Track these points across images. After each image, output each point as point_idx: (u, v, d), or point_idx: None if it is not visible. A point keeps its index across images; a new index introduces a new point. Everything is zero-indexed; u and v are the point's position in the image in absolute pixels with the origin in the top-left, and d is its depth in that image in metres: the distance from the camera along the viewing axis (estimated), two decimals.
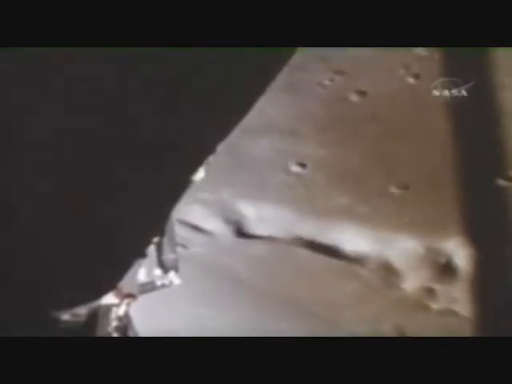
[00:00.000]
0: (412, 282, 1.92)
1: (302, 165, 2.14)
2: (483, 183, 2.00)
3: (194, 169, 2.02)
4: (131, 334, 1.89)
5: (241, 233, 2.11)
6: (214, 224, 2.14)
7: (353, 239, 2.01)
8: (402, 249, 1.96)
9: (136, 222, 1.95)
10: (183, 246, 2.08)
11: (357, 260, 1.99)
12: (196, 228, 2.14)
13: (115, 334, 1.87)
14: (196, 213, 2.14)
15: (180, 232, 2.08)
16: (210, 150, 2.04)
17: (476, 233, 1.93)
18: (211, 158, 2.04)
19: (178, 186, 2.01)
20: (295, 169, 2.14)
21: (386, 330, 1.84)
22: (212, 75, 2.06)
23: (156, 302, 1.95)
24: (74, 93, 2.00)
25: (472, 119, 2.08)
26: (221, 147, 2.06)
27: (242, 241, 2.09)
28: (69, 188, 1.96)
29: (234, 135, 2.11)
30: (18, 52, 1.84)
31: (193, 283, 2.01)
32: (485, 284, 1.88)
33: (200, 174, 2.03)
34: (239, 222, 2.13)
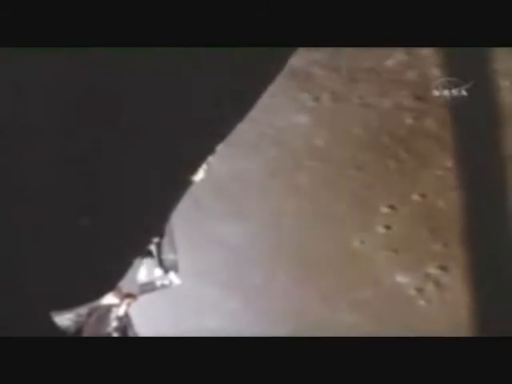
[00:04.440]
0: None
1: None
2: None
3: (193, 169, 2.02)
4: (131, 334, 1.89)
5: None
6: None
7: None
8: None
9: (136, 222, 1.95)
10: None
11: None
12: None
13: (115, 334, 1.87)
14: None
15: None
16: (210, 150, 2.04)
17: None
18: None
19: (178, 185, 2.01)
20: None
21: None
22: (212, 75, 2.06)
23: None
24: (73, 96, 2.01)
25: (472, 119, 2.08)
26: (220, 147, 2.06)
27: None
28: (68, 188, 1.96)
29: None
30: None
31: None
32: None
33: (200, 174, 2.03)
34: None
